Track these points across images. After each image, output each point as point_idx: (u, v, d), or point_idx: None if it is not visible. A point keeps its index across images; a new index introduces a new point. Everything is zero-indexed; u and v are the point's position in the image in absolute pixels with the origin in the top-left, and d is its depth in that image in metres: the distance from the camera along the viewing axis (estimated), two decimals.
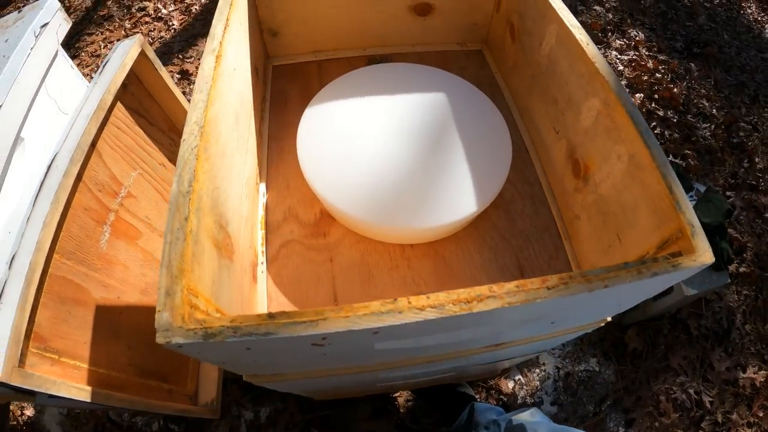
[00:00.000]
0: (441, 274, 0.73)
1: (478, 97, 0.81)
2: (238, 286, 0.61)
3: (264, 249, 0.74)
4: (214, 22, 0.67)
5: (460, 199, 0.69)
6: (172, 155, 1.04)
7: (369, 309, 0.44)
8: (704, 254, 0.50)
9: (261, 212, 0.77)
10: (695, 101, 1.67)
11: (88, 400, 0.72)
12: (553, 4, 0.72)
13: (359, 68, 0.85)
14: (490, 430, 0.90)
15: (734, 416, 1.27)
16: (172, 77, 1.70)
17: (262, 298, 0.70)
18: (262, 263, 0.73)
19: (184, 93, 1.65)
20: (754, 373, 1.28)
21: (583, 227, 0.71)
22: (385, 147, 0.74)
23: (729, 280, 1.21)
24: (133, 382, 0.88)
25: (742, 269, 1.39)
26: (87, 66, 1.83)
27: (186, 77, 1.70)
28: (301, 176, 0.73)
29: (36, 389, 0.65)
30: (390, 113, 0.78)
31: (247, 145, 0.73)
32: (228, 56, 0.65)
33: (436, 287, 0.72)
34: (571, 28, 0.67)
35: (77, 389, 0.72)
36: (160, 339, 0.41)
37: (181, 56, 1.76)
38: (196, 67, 1.71)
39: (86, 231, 0.79)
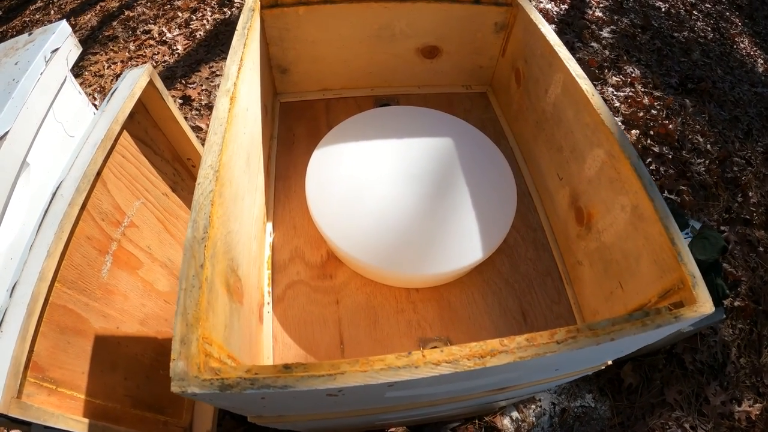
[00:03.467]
0: (446, 318, 0.73)
1: (483, 141, 0.83)
2: (246, 328, 0.61)
3: (270, 289, 0.74)
4: (228, 61, 0.68)
5: (465, 246, 0.70)
6: (175, 185, 1.05)
7: (385, 363, 0.44)
8: (705, 305, 0.51)
9: (268, 252, 0.77)
10: (690, 137, 1.71)
11: None
12: (560, 54, 0.74)
13: (366, 111, 0.86)
14: None
15: None
16: (174, 101, 1.71)
17: (268, 339, 0.71)
18: (269, 303, 0.73)
19: (186, 118, 1.66)
20: (750, 407, 1.29)
21: (585, 273, 0.72)
22: (392, 191, 0.75)
23: (724, 316, 1.23)
24: (128, 413, 0.87)
25: (736, 303, 1.40)
26: (90, 86, 1.84)
27: (188, 102, 1.71)
28: (307, 216, 0.74)
29: (33, 421, 0.64)
30: (397, 157, 0.79)
31: (256, 184, 0.74)
32: (241, 97, 0.67)
33: (440, 331, 0.72)
34: (577, 78, 0.69)
35: (74, 421, 0.71)
36: (175, 388, 0.41)
37: (184, 81, 1.77)
38: (198, 93, 1.72)
39: (88, 260, 0.78)
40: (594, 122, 0.66)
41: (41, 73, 0.72)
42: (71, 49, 0.80)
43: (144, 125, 0.93)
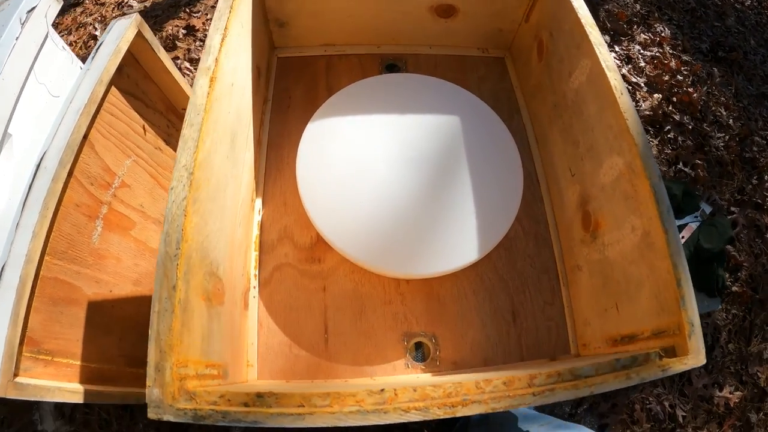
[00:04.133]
0: (433, 312, 0.70)
1: (493, 123, 0.76)
2: (228, 324, 0.59)
3: (257, 272, 0.71)
4: (210, 29, 0.61)
5: (460, 245, 0.66)
6: (169, 137, 0.99)
7: (356, 403, 0.43)
8: (697, 357, 0.48)
9: (256, 231, 0.73)
10: (713, 108, 1.60)
11: (81, 401, 0.72)
12: (591, 37, 0.65)
13: (367, 78, 0.78)
14: None
15: None
16: (178, 32, 1.60)
17: (253, 324, 0.69)
18: (255, 287, 0.70)
19: (188, 50, 1.56)
20: (730, 393, 1.29)
21: (583, 280, 0.67)
22: (388, 176, 0.69)
23: (720, 307, 1.20)
24: (124, 372, 0.87)
25: (734, 288, 1.37)
26: (77, 33, 1.69)
27: (192, 33, 1.60)
28: (298, 192, 0.69)
29: (30, 399, 0.65)
30: (397, 135, 0.72)
31: (243, 162, 0.68)
32: (225, 73, 0.60)
33: (427, 326, 0.69)
34: (606, 70, 0.61)
35: (70, 393, 0.71)
36: (152, 414, 0.42)
37: (188, 10, 1.65)
38: (203, 23, 1.61)
39: (78, 228, 0.75)
40: (618, 126, 0.59)
41: (17, 38, 0.65)
42: (50, 5, 0.72)
43: (134, 78, 0.86)
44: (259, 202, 0.76)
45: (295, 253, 0.73)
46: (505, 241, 0.73)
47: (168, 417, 0.42)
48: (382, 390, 0.44)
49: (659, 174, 0.55)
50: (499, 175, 0.71)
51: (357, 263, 0.67)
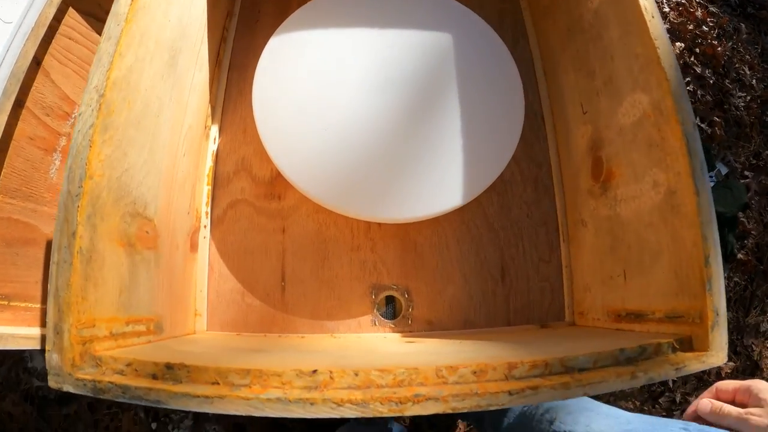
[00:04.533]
0: (408, 263, 0.60)
1: (493, 44, 0.62)
2: (165, 272, 0.50)
3: (209, 209, 0.61)
4: None
5: (445, 185, 0.55)
6: None
7: (280, 386, 0.34)
8: (718, 354, 0.40)
9: (209, 163, 0.62)
10: (737, 65, 1.45)
11: (39, 347, 0.64)
12: None
13: None
14: None
15: (693, 399, 1.22)
16: None
17: (203, 268, 0.59)
18: (206, 227, 0.60)
19: None
20: (723, 363, 1.22)
21: (587, 238, 0.57)
22: (363, 103, 0.57)
23: (725, 273, 1.10)
24: None
25: (739, 256, 1.27)
26: None
27: None
28: None
29: None
30: (376, 54, 0.59)
31: (190, 83, 0.56)
32: None
33: (400, 278, 0.59)
34: None
35: (28, 339, 0.63)
36: (52, 383, 0.36)
37: None
38: None
39: (32, 163, 0.66)
40: (646, 56, 0.46)
41: None
42: None
43: None
44: (215, 129, 0.64)
45: (253, 188, 0.62)
46: (498, 185, 0.62)
47: (68, 387, 0.35)
48: (315, 371, 0.34)
49: (694, 120, 0.43)
50: (496, 107, 0.59)
51: (320, 204, 0.56)
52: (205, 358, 0.38)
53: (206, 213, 0.61)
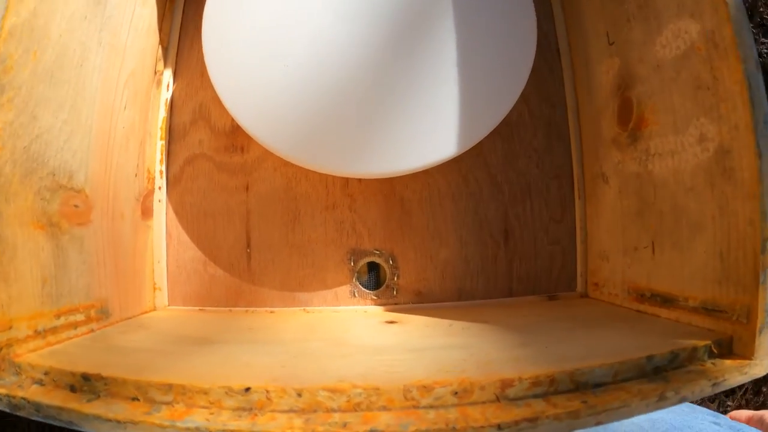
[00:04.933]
0: (393, 223, 0.51)
1: None
2: (106, 244, 0.44)
3: (164, 168, 0.52)
4: None
5: (438, 130, 0.45)
6: None
7: (208, 405, 0.28)
8: (762, 364, 0.31)
9: (162, 113, 0.53)
10: (761, 10, 1.22)
11: None
12: None
13: None
14: None
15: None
16: None
17: (160, 237, 0.52)
18: (161, 188, 0.52)
19: None
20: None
21: (609, 197, 0.47)
22: (334, 32, 0.45)
23: None
24: None
25: None
26: None
27: None
28: None
29: None
30: None
31: (128, 24, 0.46)
32: None
33: (383, 242, 0.51)
34: None
35: None
36: None
37: None
38: None
39: None
40: None
41: None
42: None
43: None
44: (168, 74, 0.54)
45: (212, 140, 0.53)
46: (503, 128, 0.51)
47: None
48: (248, 389, 0.27)
49: (757, 58, 0.31)
50: (501, 35, 0.46)
51: (287, 159, 0.46)
52: (135, 361, 0.33)
53: (161, 172, 0.52)
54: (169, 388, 0.28)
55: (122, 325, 0.44)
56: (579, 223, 0.51)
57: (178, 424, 0.26)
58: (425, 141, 0.44)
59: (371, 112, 0.44)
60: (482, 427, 0.25)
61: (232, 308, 0.51)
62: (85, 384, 0.30)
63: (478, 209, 0.52)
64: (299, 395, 0.27)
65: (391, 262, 0.51)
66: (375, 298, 0.51)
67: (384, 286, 0.51)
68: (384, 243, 0.51)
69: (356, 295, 0.51)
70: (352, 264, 0.51)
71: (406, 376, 0.28)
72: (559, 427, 0.26)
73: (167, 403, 0.28)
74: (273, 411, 0.27)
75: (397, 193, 0.51)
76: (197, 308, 0.51)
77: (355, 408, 0.27)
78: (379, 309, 0.50)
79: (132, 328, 0.43)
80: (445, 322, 0.43)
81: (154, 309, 0.51)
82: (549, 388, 0.28)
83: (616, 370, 0.29)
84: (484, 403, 0.27)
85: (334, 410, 0.27)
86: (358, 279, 0.51)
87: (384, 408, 0.27)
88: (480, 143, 0.49)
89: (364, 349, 0.36)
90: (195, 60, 0.54)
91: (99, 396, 0.30)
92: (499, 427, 0.25)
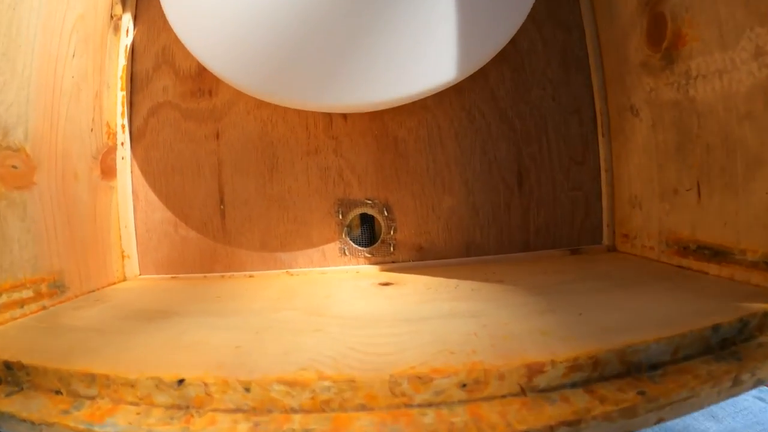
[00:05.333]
0: (387, 168, 0.45)
1: None
2: (58, 211, 0.38)
3: (126, 121, 0.46)
4: None
5: (434, 54, 0.37)
6: None
7: (136, 401, 0.23)
8: None
9: (122, 61, 0.46)
10: None
11: None
12: None
13: None
14: None
15: None
16: None
17: (125, 198, 0.47)
18: (123, 144, 0.46)
19: None
20: None
21: (640, 132, 0.39)
22: None
23: None
24: None
25: None
26: None
27: None
28: None
29: None
30: None
31: None
32: None
33: (375, 189, 0.45)
34: None
35: None
36: None
37: None
38: None
39: None
40: None
41: None
42: None
43: None
44: (127, 18, 0.47)
45: (177, 85, 0.46)
46: (512, 55, 0.44)
47: None
48: (181, 381, 0.22)
49: None
50: None
51: (254, 95, 0.39)
52: (68, 343, 0.28)
53: (122, 126, 0.46)
54: (92, 379, 0.23)
55: (79, 300, 0.39)
56: (604, 165, 0.44)
57: (96, 427, 0.21)
58: (420, 63, 0.37)
59: (355, 30, 0.37)
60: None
61: (207, 274, 0.46)
62: (8, 374, 0.26)
63: (486, 149, 0.45)
64: (247, 390, 0.22)
65: (386, 213, 0.45)
66: (369, 256, 0.45)
67: (379, 241, 0.45)
68: (377, 191, 0.45)
69: (347, 253, 0.45)
70: (340, 217, 0.45)
71: (394, 361, 0.22)
72: (609, 430, 0.20)
73: (91, 398, 0.24)
74: (214, 410, 0.22)
75: (390, 132, 0.45)
76: (169, 276, 0.46)
77: (322, 408, 0.21)
78: (374, 268, 0.45)
79: (88, 303, 0.38)
80: (451, 282, 0.37)
81: (124, 279, 0.46)
82: (592, 372, 0.21)
83: (676, 345, 0.22)
84: (503, 397, 0.21)
85: (293, 410, 0.21)
86: (348, 234, 0.45)
87: (362, 407, 0.21)
88: (485, 72, 0.42)
89: (343, 320, 0.30)
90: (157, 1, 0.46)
91: (22, 388, 0.25)
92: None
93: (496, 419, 0.19)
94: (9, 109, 0.33)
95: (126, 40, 0.47)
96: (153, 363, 0.24)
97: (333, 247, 0.45)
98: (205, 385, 0.22)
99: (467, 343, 0.24)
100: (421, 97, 0.38)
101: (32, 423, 0.22)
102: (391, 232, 0.45)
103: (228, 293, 0.39)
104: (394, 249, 0.45)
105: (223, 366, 0.23)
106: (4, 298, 0.32)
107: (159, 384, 0.22)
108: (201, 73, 0.45)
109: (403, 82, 0.37)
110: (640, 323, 0.24)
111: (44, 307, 0.36)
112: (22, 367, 0.25)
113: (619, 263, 0.39)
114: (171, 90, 0.46)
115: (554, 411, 0.20)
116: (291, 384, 0.21)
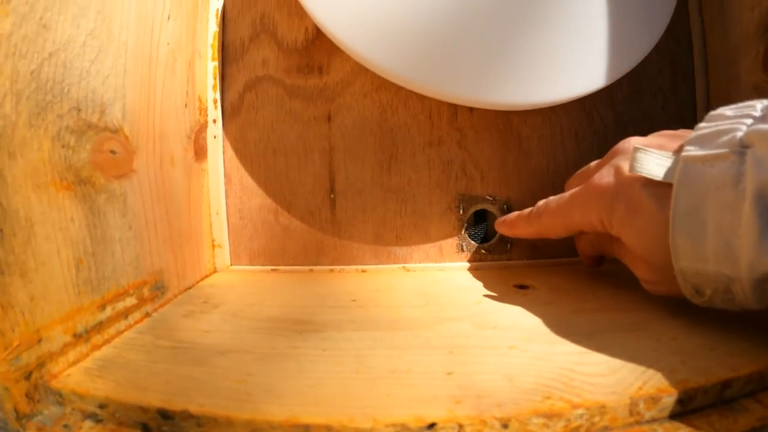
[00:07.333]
0: (510, 164, 0.44)
1: None
2: (159, 201, 0.34)
3: (218, 95, 0.42)
4: None
5: (579, 60, 0.37)
6: None
7: None
8: None
9: (213, 27, 0.42)
10: None
11: None
12: None
13: None
14: None
15: None
16: None
17: (217, 182, 0.42)
18: (215, 121, 0.42)
19: None
20: None
21: None
22: None
23: None
24: None
25: None
26: None
27: None
28: None
29: None
30: None
31: None
32: None
33: (497, 187, 0.43)
34: None
35: None
36: None
37: None
38: None
39: None
40: None
41: None
42: None
43: None
44: None
45: (280, 59, 0.43)
46: None
47: None
48: (432, 425, 0.19)
49: None
50: None
51: (385, 76, 0.37)
52: (226, 374, 0.23)
53: (215, 101, 0.42)
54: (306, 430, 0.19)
55: (182, 302, 0.34)
56: None
57: None
58: (577, 69, 0.37)
59: (504, 23, 0.36)
60: None
61: (312, 267, 0.41)
62: (165, 423, 0.20)
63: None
64: (505, 427, 0.19)
65: (506, 210, 0.43)
66: (485, 253, 0.42)
67: (495, 239, 0.43)
68: (499, 188, 0.43)
69: (464, 249, 0.42)
70: (460, 212, 0.42)
71: (617, 382, 0.21)
72: None
73: None
74: None
75: (514, 128, 0.44)
76: (268, 268, 0.41)
77: None
78: (493, 266, 0.42)
79: (195, 305, 0.33)
80: (581, 286, 0.35)
81: (215, 271, 0.41)
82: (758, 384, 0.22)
83: None
84: (703, 409, 0.21)
85: None
86: (466, 231, 0.42)
87: (605, 429, 0.20)
88: None
89: (521, 333, 0.27)
90: None
91: None
92: None
93: (707, 429, 0.20)
94: (106, 82, 0.28)
95: (216, 2, 0.43)
96: (360, 401, 0.20)
97: (450, 243, 0.42)
98: (460, 426, 0.19)
99: (658, 361, 0.23)
100: (572, 100, 0.38)
101: None
102: None
103: (359, 295, 0.34)
104: (510, 248, 0.43)
105: (460, 399, 0.20)
106: (108, 311, 0.27)
107: (402, 430, 0.18)
108: (309, 45, 0.43)
109: (557, 87, 0.37)
110: None
111: (147, 314, 0.31)
112: (188, 416, 0.19)
113: None
114: (273, 63, 0.43)
115: (744, 419, 0.20)
116: (548, 416, 0.19)
